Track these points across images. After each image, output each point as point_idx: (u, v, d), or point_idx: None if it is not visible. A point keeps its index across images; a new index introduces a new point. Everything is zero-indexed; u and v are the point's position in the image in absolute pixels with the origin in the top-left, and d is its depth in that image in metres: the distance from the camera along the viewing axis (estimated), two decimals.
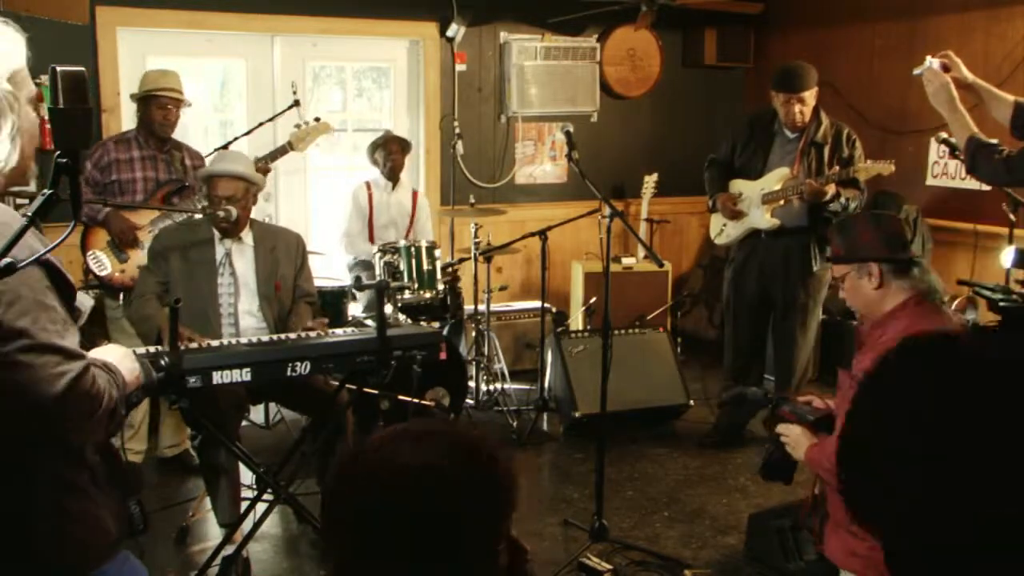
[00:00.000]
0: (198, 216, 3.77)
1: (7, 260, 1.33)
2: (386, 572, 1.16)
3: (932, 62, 2.97)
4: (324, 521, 1.26)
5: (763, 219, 4.49)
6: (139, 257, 4.11)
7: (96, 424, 1.57)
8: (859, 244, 2.52)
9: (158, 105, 4.20)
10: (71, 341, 1.54)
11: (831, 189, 4.25)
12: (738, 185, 4.61)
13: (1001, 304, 3.58)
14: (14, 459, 1.55)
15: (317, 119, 4.57)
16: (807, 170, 4.38)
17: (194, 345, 3.11)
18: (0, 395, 1.45)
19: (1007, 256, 4.01)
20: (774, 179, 4.46)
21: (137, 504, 1.82)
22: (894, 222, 2.61)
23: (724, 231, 4.72)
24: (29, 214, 1.36)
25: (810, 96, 4.37)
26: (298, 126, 4.54)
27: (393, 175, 5.37)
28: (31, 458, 1.57)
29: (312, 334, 3.35)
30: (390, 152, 5.34)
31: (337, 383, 3.52)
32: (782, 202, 4.44)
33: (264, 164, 4.36)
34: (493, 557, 1.19)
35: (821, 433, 2.58)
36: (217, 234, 3.72)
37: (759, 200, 4.49)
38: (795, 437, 2.61)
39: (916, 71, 3.02)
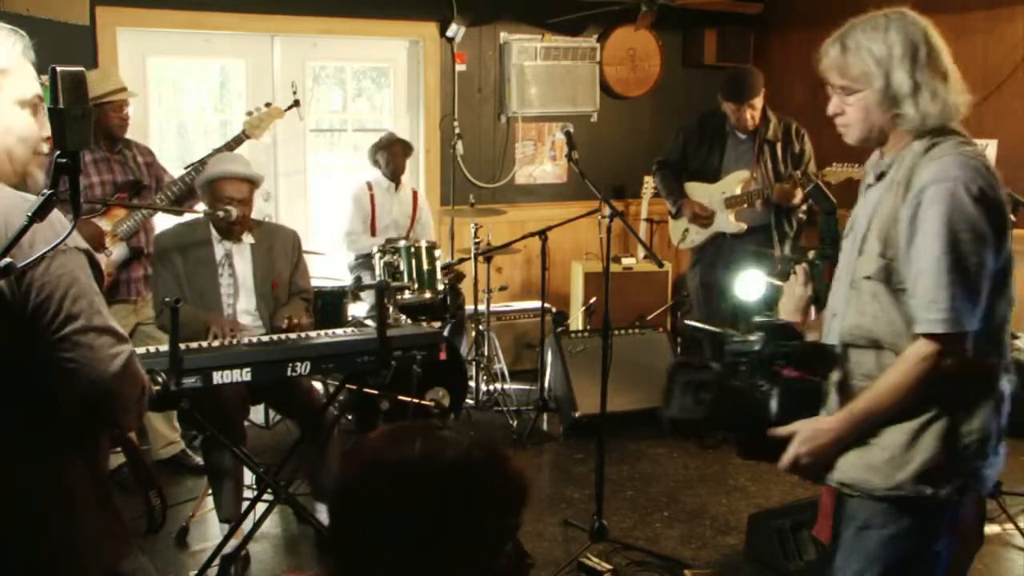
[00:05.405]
0: (191, 217, 3.74)
1: (6, 260, 1.33)
2: (396, 563, 1.16)
3: None
4: (335, 518, 1.24)
5: (729, 223, 4.51)
6: (105, 264, 4.04)
7: (139, 407, 1.62)
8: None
9: (113, 108, 4.03)
10: (118, 325, 1.58)
11: (799, 194, 4.30)
12: (696, 189, 4.61)
13: None
14: (51, 446, 1.55)
15: (268, 104, 4.31)
16: (766, 170, 4.41)
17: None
18: (61, 375, 1.49)
19: None
20: (734, 182, 4.49)
21: (158, 495, 1.82)
22: None
23: (687, 236, 4.73)
24: (29, 215, 1.37)
25: (759, 100, 4.43)
26: (250, 113, 4.25)
27: (395, 176, 5.37)
28: (68, 447, 1.57)
29: (302, 333, 3.34)
30: (393, 154, 5.33)
31: (329, 386, 3.52)
32: (745, 205, 4.47)
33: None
34: (497, 557, 1.19)
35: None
36: (216, 235, 3.72)
37: (721, 204, 4.51)
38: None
39: None
